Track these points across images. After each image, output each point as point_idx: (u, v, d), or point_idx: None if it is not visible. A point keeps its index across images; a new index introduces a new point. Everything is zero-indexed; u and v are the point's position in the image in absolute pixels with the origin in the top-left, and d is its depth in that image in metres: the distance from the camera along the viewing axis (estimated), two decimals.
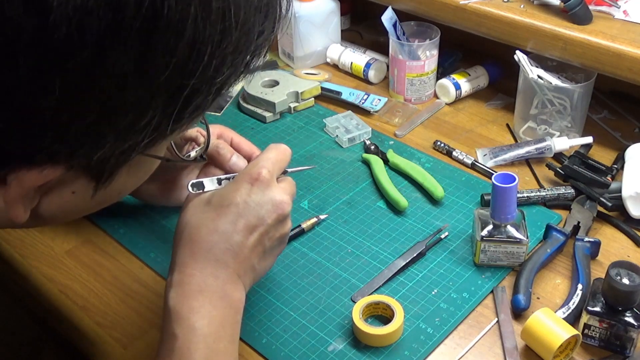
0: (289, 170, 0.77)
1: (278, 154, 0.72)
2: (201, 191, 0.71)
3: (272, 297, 0.81)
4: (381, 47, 1.27)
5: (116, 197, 0.56)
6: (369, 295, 0.81)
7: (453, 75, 1.18)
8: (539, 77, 1.02)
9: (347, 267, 0.86)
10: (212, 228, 0.66)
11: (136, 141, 0.45)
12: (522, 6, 1.05)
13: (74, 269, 0.87)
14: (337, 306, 0.80)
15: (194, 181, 0.72)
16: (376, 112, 1.15)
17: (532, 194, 0.93)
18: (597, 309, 0.73)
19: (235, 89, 1.23)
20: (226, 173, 0.80)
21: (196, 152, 0.80)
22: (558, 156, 1.02)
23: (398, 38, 1.14)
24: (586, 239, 0.85)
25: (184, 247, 0.66)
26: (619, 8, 1.01)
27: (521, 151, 1.02)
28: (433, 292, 0.82)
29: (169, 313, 0.63)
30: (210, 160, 0.80)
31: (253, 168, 0.69)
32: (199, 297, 0.64)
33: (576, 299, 0.78)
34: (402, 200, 0.93)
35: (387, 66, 1.22)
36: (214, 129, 0.84)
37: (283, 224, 0.71)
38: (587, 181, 0.94)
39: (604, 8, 1.02)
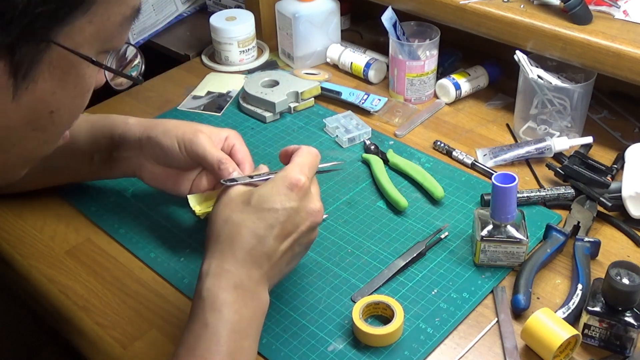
0: (320, 165, 0.77)
1: (312, 159, 0.74)
2: (235, 183, 0.73)
3: (271, 297, 0.80)
4: (381, 47, 1.27)
5: (46, 112, 0.54)
6: (369, 295, 0.81)
7: (453, 75, 1.18)
8: (539, 77, 1.02)
9: (347, 267, 0.86)
10: (252, 230, 0.68)
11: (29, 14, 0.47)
12: (522, 6, 1.05)
13: (74, 269, 0.87)
14: (337, 306, 0.80)
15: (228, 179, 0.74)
16: (376, 112, 1.15)
17: (532, 194, 0.93)
18: (597, 309, 0.73)
19: (235, 89, 1.23)
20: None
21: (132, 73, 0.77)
22: (558, 156, 1.02)
23: (398, 38, 1.14)
24: (586, 239, 0.85)
25: (225, 242, 0.68)
26: (619, 8, 1.01)
27: (521, 151, 1.02)
28: (433, 292, 0.82)
29: (202, 301, 0.65)
30: (209, 171, 0.82)
31: (292, 173, 0.70)
32: (233, 292, 0.66)
33: (576, 299, 0.78)
34: (402, 200, 0.93)
35: (387, 66, 1.22)
36: (224, 132, 0.85)
37: (314, 231, 0.73)
38: (587, 181, 0.94)
39: (604, 8, 1.02)
